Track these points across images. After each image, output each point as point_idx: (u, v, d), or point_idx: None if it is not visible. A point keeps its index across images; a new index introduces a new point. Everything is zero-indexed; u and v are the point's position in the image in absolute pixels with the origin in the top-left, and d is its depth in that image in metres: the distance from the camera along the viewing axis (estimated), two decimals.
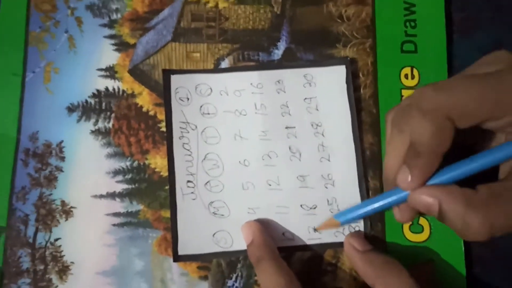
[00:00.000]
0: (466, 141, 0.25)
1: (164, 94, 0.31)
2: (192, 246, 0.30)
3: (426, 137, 0.22)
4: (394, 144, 0.25)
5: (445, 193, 0.22)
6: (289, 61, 0.32)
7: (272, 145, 0.31)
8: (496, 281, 0.30)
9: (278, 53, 0.32)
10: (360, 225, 0.30)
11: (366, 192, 0.30)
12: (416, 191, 0.23)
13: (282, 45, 0.32)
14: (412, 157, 0.23)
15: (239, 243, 0.30)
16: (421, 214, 0.27)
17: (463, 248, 0.30)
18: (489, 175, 0.24)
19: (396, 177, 0.24)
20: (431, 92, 0.22)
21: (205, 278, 0.29)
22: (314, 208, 0.30)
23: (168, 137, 0.31)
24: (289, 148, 0.31)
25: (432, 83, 0.23)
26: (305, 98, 0.31)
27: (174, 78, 0.32)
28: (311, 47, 0.32)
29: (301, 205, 0.30)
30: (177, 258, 0.29)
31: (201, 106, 0.31)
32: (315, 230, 0.30)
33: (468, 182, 0.23)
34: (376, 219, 0.30)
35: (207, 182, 0.30)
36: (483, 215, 0.21)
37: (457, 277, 0.29)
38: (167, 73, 0.32)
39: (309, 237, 0.30)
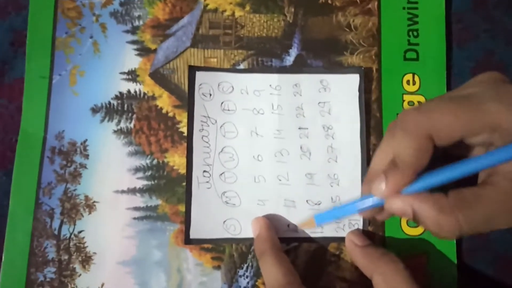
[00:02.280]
0: (452, 151, 0.26)
1: (188, 89, 0.33)
2: (203, 231, 0.31)
3: (405, 154, 0.24)
4: (380, 152, 0.27)
5: (418, 201, 0.24)
6: (300, 67, 0.33)
7: (285, 144, 0.33)
8: (485, 271, 0.32)
9: (290, 60, 0.34)
10: (359, 222, 0.32)
11: None
12: (391, 198, 0.25)
13: (293, 52, 0.34)
14: (390, 168, 0.25)
15: (247, 231, 0.31)
16: None
17: (455, 241, 0.31)
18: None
19: (373, 184, 0.26)
20: (413, 114, 0.24)
21: (218, 267, 0.31)
22: (319, 204, 0.32)
23: (189, 129, 0.32)
24: (301, 148, 0.33)
25: (414, 106, 0.25)
26: (319, 102, 0.33)
27: (199, 75, 0.33)
28: (320, 54, 0.34)
29: (307, 201, 0.32)
30: (188, 241, 0.31)
31: (222, 103, 0.33)
32: (289, 225, 0.32)
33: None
34: None
35: (222, 173, 0.32)
36: (453, 218, 0.23)
37: (449, 267, 0.31)
38: (193, 70, 0.33)
39: (311, 231, 0.32)
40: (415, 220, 0.25)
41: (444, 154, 0.25)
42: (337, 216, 0.30)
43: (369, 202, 0.26)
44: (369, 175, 0.28)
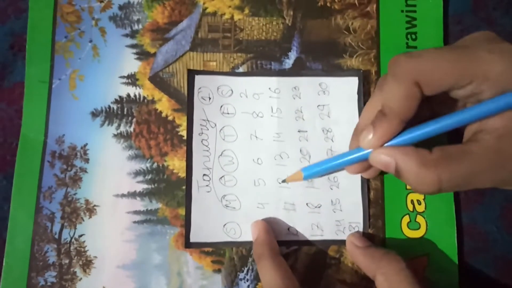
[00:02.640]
0: (438, 110, 0.26)
1: (187, 92, 0.33)
2: (203, 234, 0.31)
3: (393, 100, 0.24)
4: (369, 106, 0.27)
5: (401, 154, 0.24)
6: (299, 70, 0.34)
7: (285, 147, 0.33)
8: (486, 272, 0.32)
9: (289, 63, 0.34)
10: (359, 225, 0.32)
11: (367, 194, 0.32)
12: (375, 150, 0.25)
13: (292, 55, 0.34)
14: (377, 118, 0.25)
15: (247, 235, 0.32)
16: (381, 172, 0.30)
17: (456, 243, 0.32)
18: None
19: (360, 136, 0.26)
20: (403, 59, 0.24)
21: (218, 271, 0.31)
22: (319, 207, 0.32)
23: (188, 133, 0.32)
24: (300, 151, 0.33)
25: (406, 52, 0.24)
26: (319, 105, 0.33)
27: (198, 78, 0.33)
28: (319, 57, 0.34)
29: (306, 204, 0.32)
30: (188, 244, 0.31)
31: (221, 106, 0.33)
32: (283, 181, 0.32)
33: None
34: (376, 216, 0.32)
35: (222, 176, 0.32)
36: (433, 173, 0.23)
37: (450, 269, 0.31)
38: (192, 73, 0.33)
39: (311, 234, 0.32)
40: (397, 174, 0.25)
41: (431, 115, 0.25)
42: (324, 169, 0.29)
43: (355, 154, 0.26)
44: (357, 129, 0.28)
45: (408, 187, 0.32)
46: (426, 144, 0.25)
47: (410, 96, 0.24)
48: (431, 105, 0.27)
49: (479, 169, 0.23)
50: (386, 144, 0.25)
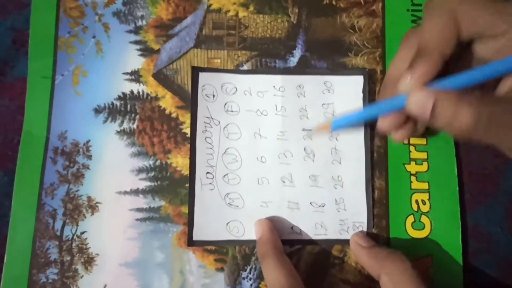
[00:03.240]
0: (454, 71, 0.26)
1: (191, 89, 0.33)
2: (206, 232, 0.31)
3: (433, 33, 0.23)
4: (400, 55, 0.26)
5: (441, 94, 0.23)
6: (304, 68, 0.33)
7: (289, 145, 0.33)
8: (490, 273, 0.32)
9: (293, 61, 0.34)
10: (363, 225, 0.32)
11: (372, 194, 0.32)
12: (413, 91, 0.24)
13: (297, 53, 0.34)
14: (416, 58, 0.24)
15: (250, 233, 0.31)
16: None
17: (460, 244, 0.31)
18: None
19: (398, 82, 0.24)
20: None
21: (221, 269, 0.31)
22: (323, 206, 0.32)
23: (192, 131, 0.32)
24: (304, 149, 0.32)
25: None
26: (323, 104, 0.33)
27: (202, 75, 0.33)
28: (324, 55, 0.34)
29: (310, 203, 0.32)
30: (191, 243, 0.31)
31: (225, 104, 0.33)
32: (308, 133, 0.32)
33: None
34: (380, 216, 0.32)
35: (225, 174, 0.32)
36: (473, 108, 0.22)
37: (455, 269, 0.31)
38: (196, 70, 0.33)
39: (315, 233, 0.32)
40: (432, 115, 0.23)
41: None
42: (354, 119, 0.27)
43: (389, 102, 0.25)
44: (386, 83, 0.27)
45: (413, 186, 0.32)
46: None
47: (450, 30, 0.23)
48: (449, 68, 0.26)
49: None
50: None
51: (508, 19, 0.23)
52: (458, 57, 0.25)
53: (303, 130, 0.31)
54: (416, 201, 0.32)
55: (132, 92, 0.33)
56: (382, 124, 0.27)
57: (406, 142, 0.33)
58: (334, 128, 0.29)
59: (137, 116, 0.33)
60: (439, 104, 0.23)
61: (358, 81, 0.33)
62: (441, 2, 0.24)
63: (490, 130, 0.22)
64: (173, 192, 0.32)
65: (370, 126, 0.33)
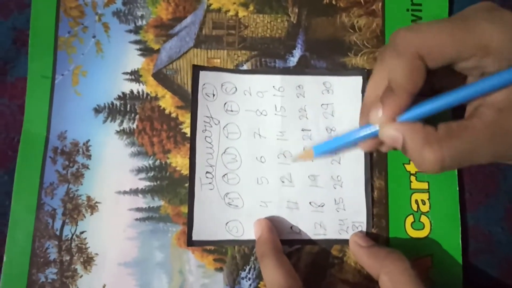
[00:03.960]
0: (439, 84, 0.26)
1: (192, 87, 0.33)
2: (205, 232, 0.31)
3: (398, 75, 0.24)
4: (373, 81, 0.27)
5: (409, 129, 0.24)
6: (304, 68, 0.33)
7: (288, 145, 0.32)
8: (490, 273, 0.32)
9: (293, 60, 0.33)
10: (362, 225, 0.32)
11: (371, 193, 0.32)
12: (385, 126, 0.25)
13: (297, 53, 0.34)
14: (385, 94, 0.25)
15: (250, 233, 0.31)
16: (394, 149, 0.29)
17: (460, 244, 0.31)
18: None
19: (369, 113, 0.26)
20: (403, 32, 0.24)
21: (220, 269, 0.31)
22: (322, 206, 0.32)
23: (192, 130, 0.32)
24: (303, 149, 0.32)
25: (406, 26, 0.24)
26: (322, 104, 0.33)
27: (203, 74, 0.33)
28: (324, 55, 0.34)
29: (310, 203, 0.32)
30: (191, 243, 0.31)
31: (225, 103, 0.33)
32: (293, 160, 0.32)
33: None
34: (380, 216, 0.32)
35: (225, 174, 0.32)
36: (436, 150, 0.23)
37: (454, 269, 0.31)
38: (197, 69, 0.33)
39: (314, 233, 0.32)
40: (403, 151, 0.25)
41: (432, 93, 0.25)
42: (335, 146, 0.29)
43: (366, 131, 0.26)
44: (364, 106, 0.28)
45: (412, 186, 0.32)
46: (430, 119, 0.25)
47: (415, 69, 0.24)
48: (432, 81, 0.26)
49: (480, 143, 0.23)
50: None
51: (470, 44, 0.23)
52: (441, 71, 0.25)
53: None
54: (416, 201, 0.32)
55: (132, 92, 0.33)
56: (364, 147, 0.29)
57: None
58: (317, 154, 0.29)
59: (137, 116, 0.33)
60: (407, 143, 0.24)
61: (357, 81, 0.33)
62: (403, 39, 0.24)
63: (457, 164, 0.24)
64: (172, 192, 0.32)
65: None
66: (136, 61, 0.33)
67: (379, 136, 0.26)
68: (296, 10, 0.34)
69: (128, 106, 0.33)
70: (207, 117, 0.33)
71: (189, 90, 0.33)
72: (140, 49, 0.33)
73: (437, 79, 0.26)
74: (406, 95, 0.24)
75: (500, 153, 0.24)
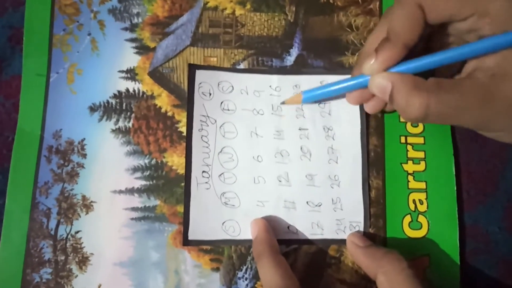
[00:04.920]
0: (434, 45, 0.27)
1: (188, 87, 0.32)
2: (201, 232, 0.31)
3: (397, 23, 0.25)
4: (373, 34, 0.28)
5: (398, 77, 0.25)
6: (300, 67, 0.33)
7: (285, 144, 0.32)
8: (488, 273, 0.32)
9: (290, 59, 0.33)
10: (360, 225, 0.31)
11: (369, 193, 0.32)
12: (375, 75, 0.26)
13: (294, 52, 0.33)
14: (381, 43, 0.25)
15: (246, 233, 0.31)
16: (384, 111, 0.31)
17: (458, 243, 0.31)
18: None
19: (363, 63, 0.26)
20: None
21: (217, 269, 0.31)
22: (319, 205, 0.32)
23: (188, 128, 0.32)
24: (301, 148, 0.32)
25: None
26: (320, 103, 0.33)
27: (199, 73, 0.33)
28: (321, 54, 0.33)
29: (307, 202, 0.32)
30: (187, 242, 0.31)
31: (221, 102, 0.33)
32: (282, 103, 0.32)
33: None
34: (377, 216, 0.32)
35: (221, 173, 0.32)
36: (423, 96, 0.24)
37: (452, 269, 0.31)
38: (193, 68, 0.33)
39: (311, 232, 0.31)
40: (390, 99, 0.25)
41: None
42: (323, 92, 0.29)
43: (356, 80, 0.27)
44: (359, 57, 0.28)
45: (410, 185, 0.32)
46: None
47: (414, 18, 0.24)
48: (428, 44, 0.27)
49: (467, 103, 0.24)
50: None
51: (472, 2, 0.24)
52: (437, 34, 0.26)
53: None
54: (414, 201, 0.32)
55: (127, 90, 0.33)
56: (350, 98, 0.30)
57: (403, 141, 0.33)
58: (305, 100, 0.30)
59: (133, 115, 0.32)
60: (395, 89, 0.25)
61: None
62: None
63: (442, 117, 0.24)
64: (168, 191, 0.32)
65: (366, 124, 0.33)
66: (132, 59, 0.33)
67: (368, 87, 0.26)
68: (293, 9, 0.34)
69: (124, 104, 0.33)
70: (204, 116, 0.32)
71: (186, 88, 0.33)
72: (136, 47, 0.33)
73: (434, 42, 0.26)
74: (402, 45, 0.25)
75: (486, 118, 0.24)
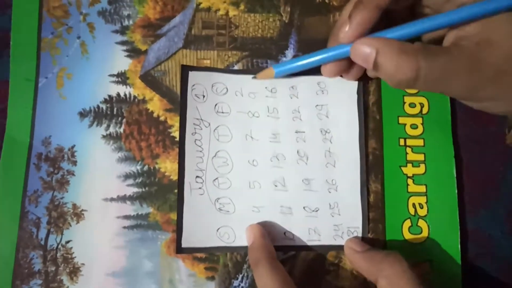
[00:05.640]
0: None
1: (181, 89, 0.32)
2: (195, 239, 0.30)
3: None
4: (350, 2, 0.27)
5: (383, 43, 0.24)
6: None
7: (281, 148, 0.32)
8: (491, 278, 0.31)
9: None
10: (358, 230, 0.31)
11: (367, 197, 0.31)
12: (357, 41, 0.25)
13: (290, 53, 0.33)
14: (354, 8, 0.25)
15: (242, 240, 0.30)
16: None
17: (459, 248, 0.31)
18: None
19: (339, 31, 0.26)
20: None
21: (212, 278, 0.30)
22: (316, 211, 0.31)
23: (181, 132, 0.31)
24: (297, 152, 0.32)
25: None
26: (317, 105, 0.32)
27: (192, 75, 0.32)
28: None
29: (304, 207, 0.31)
30: (180, 250, 0.30)
31: (215, 105, 0.32)
32: (253, 77, 0.32)
33: None
34: (376, 221, 0.31)
35: (216, 178, 0.31)
36: (413, 59, 0.23)
37: (454, 274, 0.30)
38: (186, 69, 0.32)
39: (308, 238, 0.31)
40: (374, 66, 0.24)
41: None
42: (297, 65, 0.29)
43: (334, 51, 0.26)
44: (336, 26, 0.28)
45: (409, 189, 0.31)
46: None
47: None
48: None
49: (456, 69, 0.23)
50: None
51: None
52: (411, 5, 0.26)
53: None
54: (413, 205, 0.31)
55: (118, 94, 0.32)
56: (326, 71, 0.29)
57: (402, 143, 0.32)
58: (278, 73, 0.29)
59: (124, 120, 0.32)
60: (381, 55, 0.24)
61: (352, 82, 0.32)
62: None
63: (432, 81, 0.24)
64: (161, 198, 0.31)
65: (365, 127, 0.32)
66: (122, 62, 0.32)
67: (350, 55, 0.26)
68: (288, 9, 0.33)
69: (115, 109, 0.32)
70: (197, 119, 0.31)
71: (178, 92, 0.32)
72: (127, 50, 0.32)
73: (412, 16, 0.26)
74: (374, 6, 0.24)
75: (474, 86, 0.24)
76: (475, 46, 0.24)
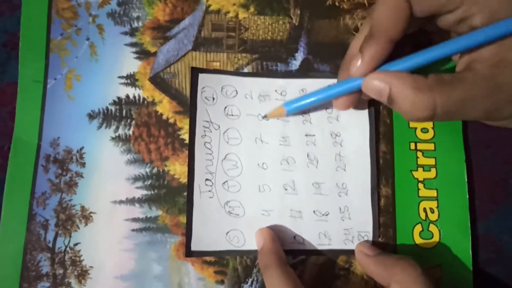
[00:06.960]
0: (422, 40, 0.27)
1: (190, 91, 0.32)
2: (205, 242, 0.30)
3: (381, 17, 0.24)
4: (359, 34, 0.27)
5: (396, 78, 0.23)
6: (307, 72, 0.32)
7: (291, 151, 0.31)
8: (502, 284, 0.31)
9: (295, 64, 0.32)
10: (368, 234, 0.31)
11: (378, 202, 0.31)
12: (368, 76, 0.24)
13: (299, 56, 0.33)
14: (365, 41, 0.24)
15: (251, 243, 0.30)
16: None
17: (470, 253, 0.30)
18: None
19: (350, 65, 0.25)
20: None
21: (221, 282, 0.30)
22: (327, 215, 0.31)
23: (190, 135, 0.31)
24: (307, 155, 0.31)
25: None
26: (327, 108, 0.32)
27: (202, 77, 0.32)
28: (327, 58, 0.32)
29: (314, 211, 0.31)
30: (189, 253, 0.30)
31: (225, 107, 0.32)
32: (264, 117, 0.31)
33: None
34: (386, 225, 0.31)
35: (225, 181, 0.31)
36: (429, 97, 0.23)
37: (464, 280, 0.30)
38: (196, 71, 0.32)
39: (319, 243, 0.30)
40: (389, 101, 0.24)
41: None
42: (308, 102, 0.28)
43: (346, 85, 0.25)
44: (345, 60, 0.27)
45: (420, 193, 0.31)
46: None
47: (397, 11, 0.23)
48: (416, 40, 0.27)
49: (473, 95, 0.23)
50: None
51: None
52: (426, 27, 0.25)
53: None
54: (424, 209, 0.31)
55: (127, 96, 0.32)
56: (338, 104, 0.28)
57: (413, 147, 0.32)
58: (289, 112, 0.29)
59: (133, 122, 0.32)
60: (395, 92, 0.23)
61: None
62: None
63: (450, 113, 0.23)
64: (170, 201, 0.31)
65: (375, 131, 0.32)
66: (132, 64, 0.32)
67: (363, 90, 0.25)
68: (298, 12, 0.33)
69: (124, 111, 0.32)
70: (207, 121, 0.31)
71: (188, 94, 0.32)
72: (136, 52, 0.32)
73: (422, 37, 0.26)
74: (386, 39, 0.24)
75: (493, 108, 0.23)
76: (492, 68, 0.23)
